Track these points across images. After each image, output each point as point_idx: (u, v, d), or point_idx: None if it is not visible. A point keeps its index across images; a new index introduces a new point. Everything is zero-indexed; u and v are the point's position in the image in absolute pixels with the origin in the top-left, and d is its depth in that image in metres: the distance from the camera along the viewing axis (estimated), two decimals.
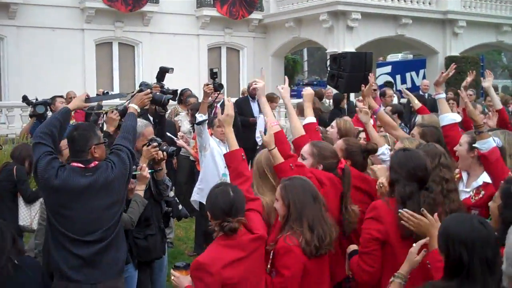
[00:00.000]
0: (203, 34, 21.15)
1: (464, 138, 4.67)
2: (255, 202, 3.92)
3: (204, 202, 6.17)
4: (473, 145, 4.43)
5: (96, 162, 4.04)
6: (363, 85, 6.20)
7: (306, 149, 4.55)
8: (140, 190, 4.89)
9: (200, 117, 6.38)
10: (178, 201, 6.18)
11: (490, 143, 4.37)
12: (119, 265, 4.13)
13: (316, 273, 3.77)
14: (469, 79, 6.94)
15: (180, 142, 8.11)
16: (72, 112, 4.41)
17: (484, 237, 2.80)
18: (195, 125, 6.66)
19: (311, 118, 5.25)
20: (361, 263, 3.71)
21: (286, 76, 5.03)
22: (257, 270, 3.64)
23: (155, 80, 6.29)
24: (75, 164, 4.02)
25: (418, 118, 6.59)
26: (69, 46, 18.81)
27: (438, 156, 4.25)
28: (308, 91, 5.44)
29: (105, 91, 5.14)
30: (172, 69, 5.90)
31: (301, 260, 3.65)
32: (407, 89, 20.08)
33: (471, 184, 4.56)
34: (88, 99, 4.61)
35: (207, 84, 6.50)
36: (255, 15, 21.91)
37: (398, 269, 3.34)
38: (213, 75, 6.71)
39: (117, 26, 19.64)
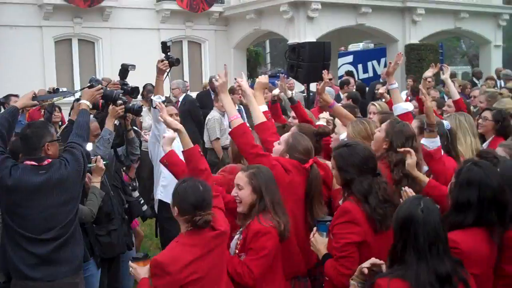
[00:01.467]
0: (164, 28, 20.89)
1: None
2: (217, 199, 3.88)
3: (169, 202, 6.07)
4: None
5: (50, 160, 4.03)
6: (319, 81, 6.16)
7: (285, 136, 4.55)
8: (96, 182, 4.87)
9: (157, 99, 5.60)
10: (142, 201, 6.08)
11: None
12: (76, 262, 4.14)
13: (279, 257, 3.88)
14: (430, 73, 7.22)
15: (146, 136, 7.90)
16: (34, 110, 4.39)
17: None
18: (152, 109, 5.99)
19: (263, 107, 5.22)
20: (339, 268, 3.56)
21: (243, 72, 4.85)
22: (218, 264, 3.63)
23: (117, 77, 5.85)
24: (28, 162, 4.00)
25: (372, 106, 6.63)
26: (28, 43, 18.44)
27: (411, 138, 4.39)
28: (261, 79, 5.35)
29: (56, 88, 5.07)
30: (134, 66, 5.60)
31: (277, 240, 3.75)
32: (369, 78, 20.39)
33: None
34: (35, 97, 4.57)
35: (162, 60, 5.80)
36: (216, 8, 21.75)
37: None
38: (166, 49, 5.93)
39: (76, 22, 19.33)
